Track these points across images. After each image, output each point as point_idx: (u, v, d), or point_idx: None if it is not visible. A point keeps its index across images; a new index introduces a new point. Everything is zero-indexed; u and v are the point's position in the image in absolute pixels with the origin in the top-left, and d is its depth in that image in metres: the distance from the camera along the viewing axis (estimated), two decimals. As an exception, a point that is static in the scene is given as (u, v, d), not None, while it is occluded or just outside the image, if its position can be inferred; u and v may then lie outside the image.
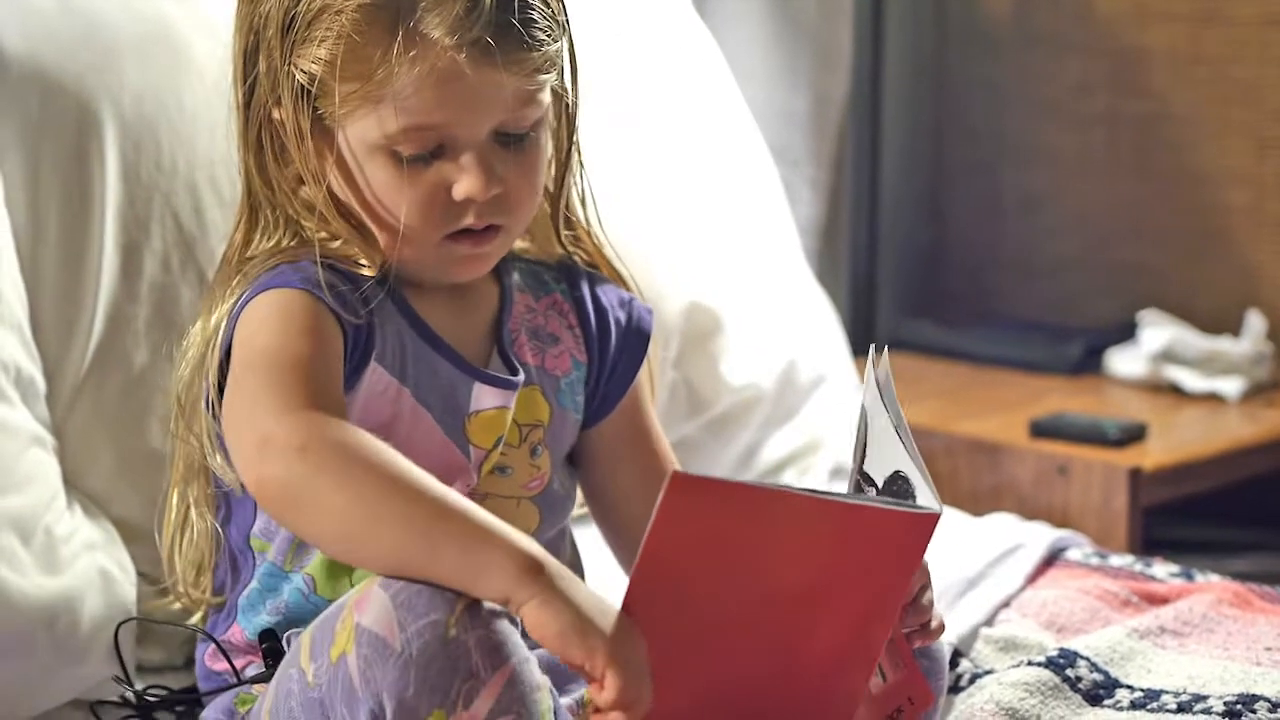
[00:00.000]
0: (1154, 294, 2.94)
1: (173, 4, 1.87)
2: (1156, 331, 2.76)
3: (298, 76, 1.44)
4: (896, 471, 1.36)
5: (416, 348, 1.49)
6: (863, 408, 1.41)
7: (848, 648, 1.35)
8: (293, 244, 1.50)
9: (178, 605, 1.59)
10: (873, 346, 1.42)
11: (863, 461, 1.40)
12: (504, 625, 1.27)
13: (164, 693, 1.62)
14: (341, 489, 1.30)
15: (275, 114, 1.47)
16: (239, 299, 1.45)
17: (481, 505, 1.48)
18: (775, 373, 2.30)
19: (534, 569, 1.26)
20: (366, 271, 1.47)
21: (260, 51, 1.46)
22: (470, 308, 1.55)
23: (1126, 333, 2.84)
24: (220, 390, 1.44)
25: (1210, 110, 2.91)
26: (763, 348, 2.30)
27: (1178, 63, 2.93)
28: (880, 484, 1.38)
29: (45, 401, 1.73)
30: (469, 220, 1.45)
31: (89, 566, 1.68)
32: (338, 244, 1.48)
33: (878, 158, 3.12)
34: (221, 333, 1.45)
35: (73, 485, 1.74)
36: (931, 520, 1.31)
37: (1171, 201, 2.96)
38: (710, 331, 2.23)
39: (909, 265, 3.23)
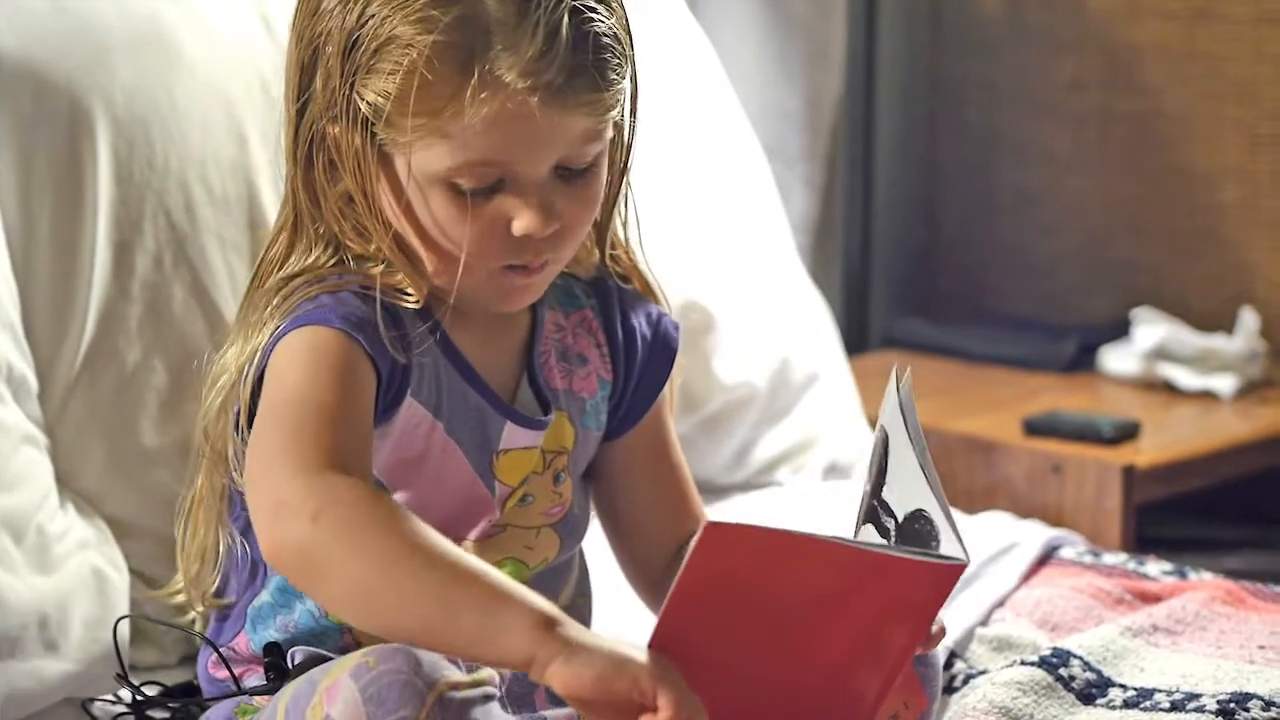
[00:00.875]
0: (1148, 291, 2.94)
1: (165, 3, 1.87)
2: (1150, 329, 2.76)
3: (360, 105, 1.40)
4: (919, 510, 1.34)
5: (451, 380, 1.47)
6: (881, 428, 1.39)
7: (863, 687, 1.34)
8: (331, 263, 1.47)
9: (180, 599, 1.58)
10: (895, 366, 1.39)
11: (881, 487, 1.38)
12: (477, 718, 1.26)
13: (160, 689, 1.61)
14: (354, 556, 1.28)
15: (330, 131, 1.44)
16: (276, 331, 1.42)
17: (500, 537, 1.50)
18: (768, 371, 2.30)
19: (551, 625, 1.24)
20: (411, 301, 1.44)
21: (318, 68, 1.43)
22: (502, 332, 1.53)
23: (1120, 330, 2.84)
24: (250, 418, 1.42)
25: (1204, 107, 2.91)
26: (756, 346, 2.30)
27: (1171, 60, 2.93)
28: (900, 518, 1.35)
29: (37, 400, 1.72)
30: (528, 257, 1.43)
31: (82, 565, 1.68)
32: (380, 268, 1.46)
33: (871, 156, 3.12)
34: (255, 363, 1.42)
35: (65, 484, 1.73)
36: (958, 571, 1.29)
37: (1165, 199, 2.96)
38: (703, 330, 2.23)
39: (902, 263, 3.23)
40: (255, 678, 1.48)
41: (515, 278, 1.45)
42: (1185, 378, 2.70)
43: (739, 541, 1.23)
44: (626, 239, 1.59)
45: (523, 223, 1.40)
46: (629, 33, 1.45)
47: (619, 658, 1.22)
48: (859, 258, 3.11)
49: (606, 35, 1.40)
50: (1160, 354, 2.73)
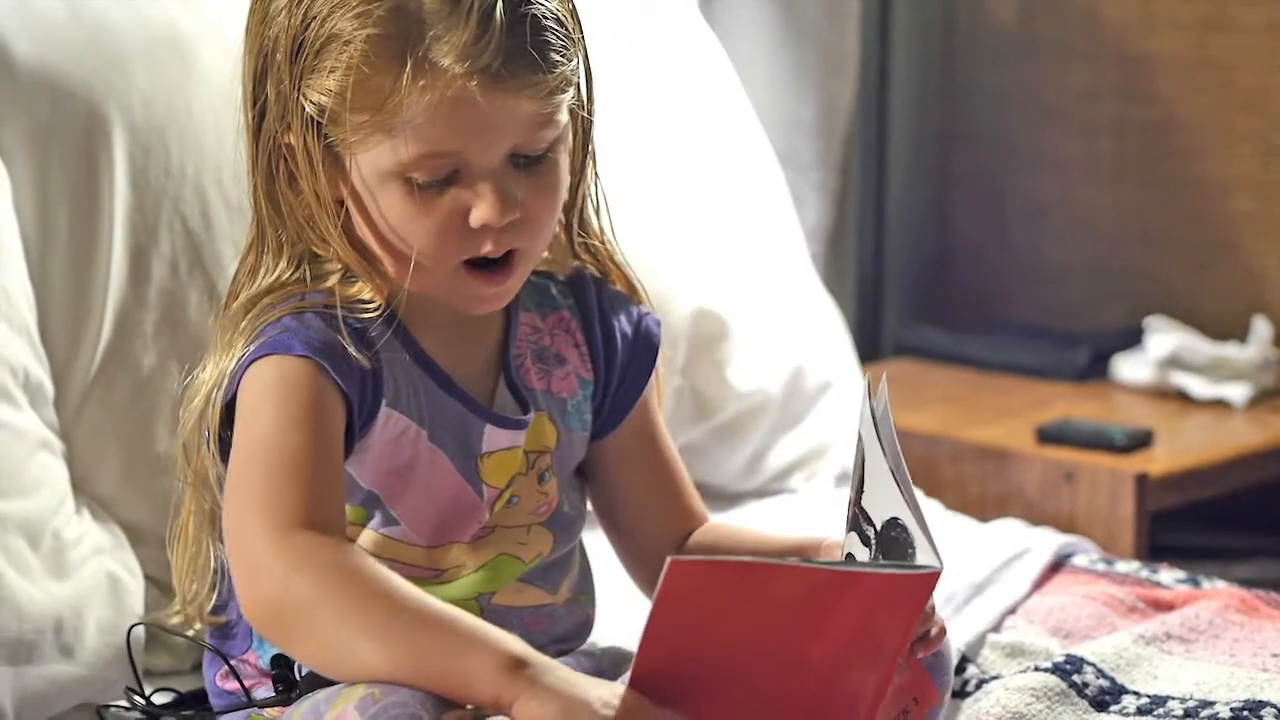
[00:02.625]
0: (1160, 300, 2.94)
1: (181, 10, 1.87)
2: (1163, 338, 2.76)
3: (306, 106, 1.40)
4: (894, 518, 1.35)
5: (427, 388, 1.47)
6: (859, 435, 1.40)
7: (857, 687, 1.35)
8: (295, 277, 1.46)
9: (177, 619, 1.57)
10: (868, 377, 1.40)
11: (861, 494, 1.39)
12: None
13: (173, 695, 1.61)
14: (324, 615, 1.31)
15: (286, 139, 1.44)
16: (242, 357, 1.42)
17: (490, 537, 1.50)
18: (782, 378, 2.30)
19: (516, 667, 1.28)
20: (371, 309, 1.44)
21: (270, 76, 1.43)
22: (474, 336, 1.52)
23: (1133, 339, 2.84)
24: (222, 444, 1.43)
25: (1216, 117, 2.91)
26: (769, 353, 2.30)
27: (1184, 69, 2.93)
28: (879, 526, 1.36)
29: (53, 405, 1.73)
30: (488, 248, 1.42)
31: (97, 571, 1.69)
32: (334, 280, 1.45)
33: (884, 164, 3.12)
34: (223, 389, 1.42)
35: (81, 489, 1.74)
36: (932, 579, 1.30)
37: (1178, 208, 2.96)
38: (717, 337, 2.23)
39: (915, 271, 3.23)
40: (264, 690, 1.49)
41: (478, 282, 1.45)
42: (1198, 386, 2.70)
43: (704, 575, 1.25)
44: (601, 230, 1.58)
45: (479, 212, 1.40)
46: (575, 17, 1.45)
47: (574, 701, 1.27)
48: (872, 265, 3.12)
49: (546, 17, 1.40)
50: (1173, 362, 2.73)
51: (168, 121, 1.81)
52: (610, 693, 1.28)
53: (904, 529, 1.34)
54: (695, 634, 1.27)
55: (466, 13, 1.36)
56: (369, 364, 1.42)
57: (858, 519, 1.39)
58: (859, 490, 1.40)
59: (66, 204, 1.75)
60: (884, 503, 1.36)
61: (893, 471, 1.35)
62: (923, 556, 1.32)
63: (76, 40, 1.79)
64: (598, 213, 1.57)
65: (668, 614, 1.25)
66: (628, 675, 1.29)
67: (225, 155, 1.82)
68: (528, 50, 1.38)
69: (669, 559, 1.23)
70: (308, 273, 1.47)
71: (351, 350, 1.41)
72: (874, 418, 1.37)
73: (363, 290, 1.45)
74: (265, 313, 1.44)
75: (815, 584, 1.27)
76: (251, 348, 1.41)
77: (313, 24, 1.39)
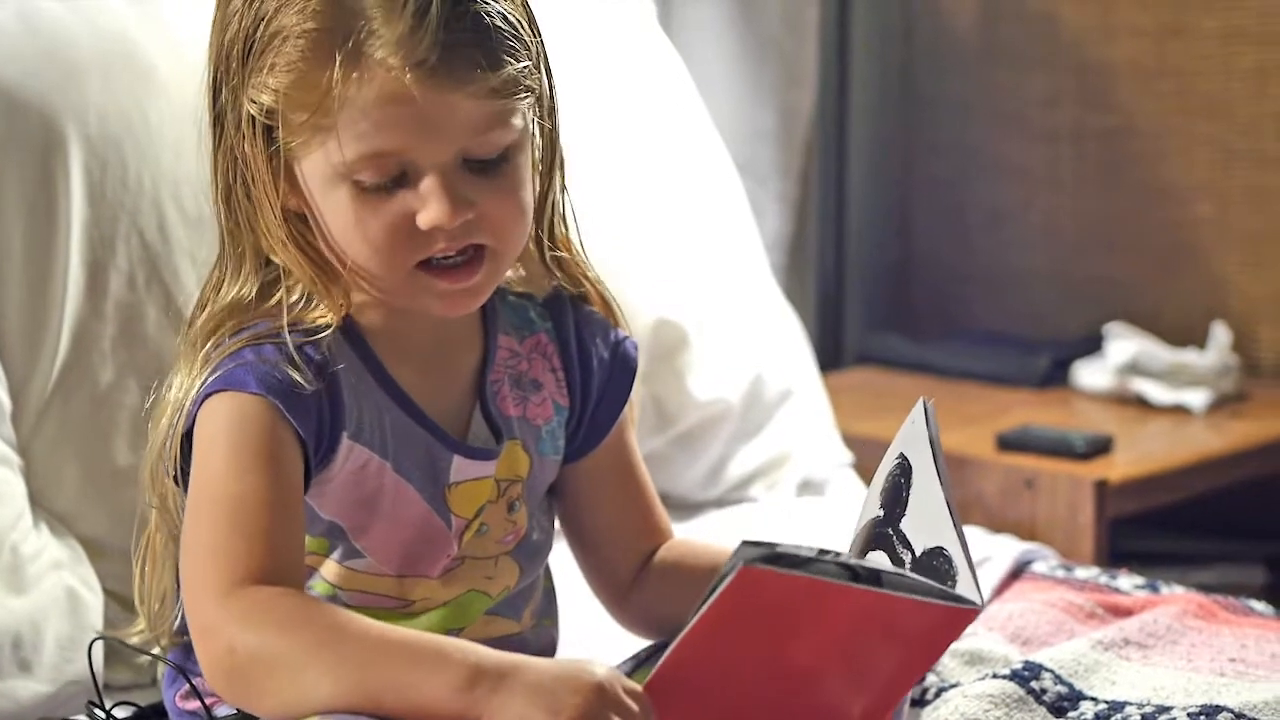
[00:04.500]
0: (1120, 307, 2.95)
1: (137, 22, 1.87)
2: (1123, 344, 2.77)
3: (248, 108, 1.39)
4: (939, 548, 1.33)
5: (394, 418, 1.45)
6: (901, 456, 1.37)
7: (837, 702, 1.35)
8: (255, 292, 1.44)
9: (139, 637, 1.56)
10: (922, 399, 1.38)
11: (899, 518, 1.36)
12: None
13: (133, 709, 1.60)
14: (276, 663, 1.30)
15: (242, 148, 1.41)
16: (197, 391, 1.40)
17: (459, 570, 1.49)
18: (742, 387, 2.31)
19: (470, 685, 1.27)
20: (325, 330, 1.41)
21: (225, 82, 1.41)
22: (449, 362, 1.50)
23: (1093, 345, 2.85)
24: (183, 475, 1.42)
25: (1176, 124, 2.92)
26: (729, 363, 2.30)
27: (1143, 77, 2.95)
28: (919, 552, 1.34)
29: (10, 420, 1.72)
30: (440, 246, 1.39)
31: (55, 585, 1.68)
32: (294, 298, 1.43)
33: (844, 173, 3.12)
34: (181, 421, 1.41)
35: (39, 504, 1.73)
36: (972, 615, 1.29)
37: (1137, 215, 2.97)
38: (677, 347, 2.23)
39: (876, 279, 3.24)
40: (225, 708, 1.46)
41: (439, 280, 1.41)
42: (1158, 392, 2.71)
43: (768, 583, 1.23)
44: (569, 243, 1.55)
45: (427, 214, 1.37)
46: (531, 23, 1.42)
47: (531, 710, 1.26)
48: (833, 274, 3.12)
49: (489, 15, 1.37)
50: (1133, 369, 2.74)
51: (124, 134, 1.80)
52: (579, 680, 1.27)
53: (948, 560, 1.32)
54: (727, 639, 1.26)
55: (402, 5, 1.34)
56: (327, 396, 1.41)
57: (889, 539, 1.36)
58: (894, 513, 1.37)
59: (22, 217, 1.74)
60: (929, 529, 1.34)
61: (947, 500, 1.33)
62: (964, 589, 1.29)
63: (31, 53, 1.78)
64: (566, 226, 1.55)
65: (721, 615, 1.23)
66: (590, 660, 1.28)
67: (183, 168, 1.82)
68: (468, 48, 1.35)
69: (741, 565, 1.20)
70: (268, 290, 1.45)
71: (307, 385, 1.39)
72: (931, 441, 1.35)
73: (317, 312, 1.42)
74: (225, 340, 1.42)
75: (868, 606, 1.26)
76: (209, 380, 1.40)
77: (261, 23, 1.38)
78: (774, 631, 1.27)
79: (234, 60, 1.40)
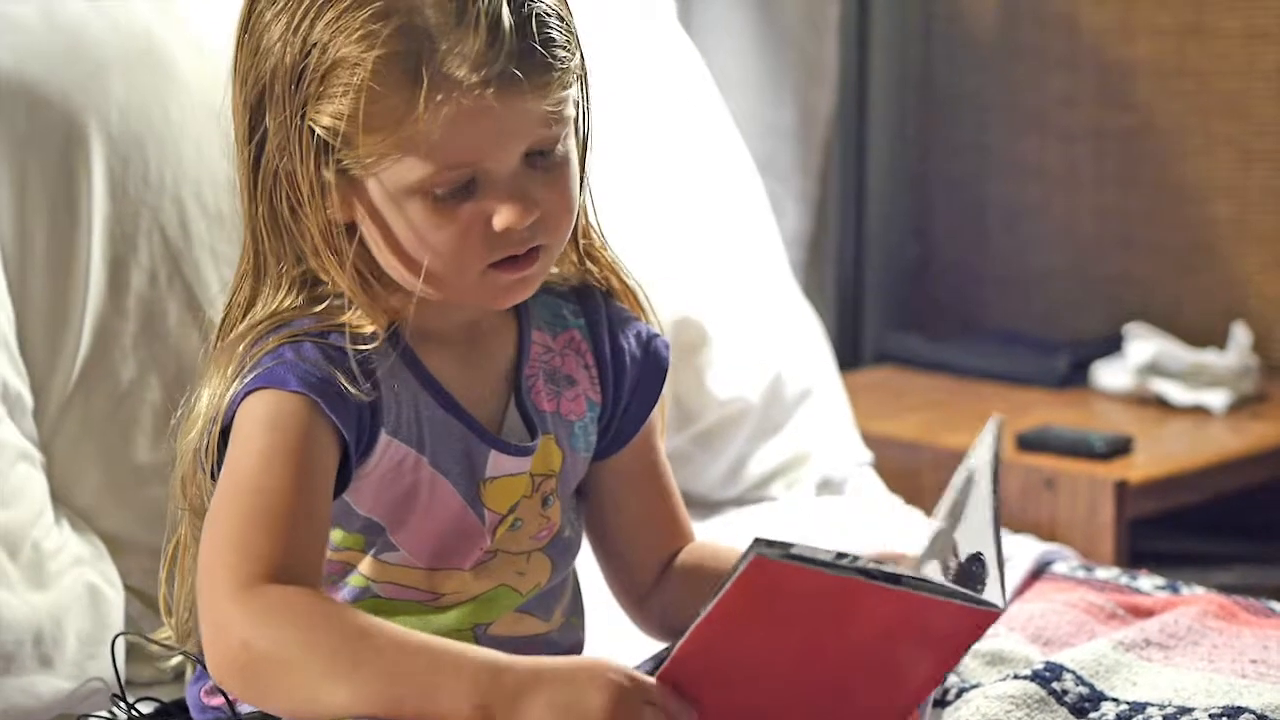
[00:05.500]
0: (1140, 307, 2.95)
1: (158, 20, 1.87)
2: (1142, 344, 2.77)
3: (317, 131, 1.39)
4: (978, 553, 1.35)
5: (432, 413, 1.46)
6: (971, 470, 1.39)
7: (868, 703, 1.35)
8: (296, 305, 1.45)
9: (168, 634, 1.57)
10: (996, 417, 1.40)
11: (955, 526, 1.39)
12: None
13: (156, 705, 1.60)
14: (290, 664, 1.31)
15: (288, 169, 1.41)
16: (237, 390, 1.40)
17: (491, 563, 1.49)
18: (762, 386, 2.31)
19: (489, 687, 1.28)
20: (369, 338, 1.42)
21: (268, 108, 1.41)
22: (486, 357, 1.51)
23: (1112, 345, 2.85)
24: (218, 470, 1.41)
25: (1195, 123, 2.92)
26: (749, 361, 2.30)
27: (1162, 76, 2.94)
28: (963, 559, 1.36)
29: (32, 417, 1.72)
30: (513, 249, 1.41)
31: (76, 582, 1.68)
32: (335, 304, 1.44)
33: (864, 171, 3.12)
34: (219, 420, 1.41)
35: (60, 500, 1.74)
36: (992, 617, 1.30)
37: (1157, 214, 2.97)
38: (697, 345, 2.23)
39: (895, 278, 3.23)
40: (248, 704, 1.45)
41: (505, 274, 1.43)
42: (1177, 393, 2.70)
43: (782, 576, 1.24)
44: (600, 233, 1.57)
45: (503, 217, 1.39)
46: (570, 10, 1.44)
47: (570, 702, 1.27)
48: (852, 273, 3.12)
49: (549, 14, 1.39)
50: (1152, 369, 2.74)
51: (146, 131, 1.81)
52: (601, 678, 1.28)
53: (982, 565, 1.34)
54: (744, 630, 1.26)
55: (474, 21, 1.35)
56: (367, 396, 1.41)
57: (951, 549, 1.38)
58: (955, 522, 1.39)
59: (45, 214, 1.75)
60: (974, 537, 1.36)
61: (995, 512, 1.35)
62: (990, 594, 1.31)
63: (53, 50, 1.79)
64: (587, 217, 1.56)
65: (733, 605, 1.24)
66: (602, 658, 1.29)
67: (204, 165, 1.82)
68: (538, 50, 1.37)
69: (754, 555, 1.22)
70: (307, 299, 1.45)
71: (346, 384, 1.40)
72: (995, 459, 1.37)
73: (361, 319, 1.43)
74: (262, 339, 1.43)
75: (885, 603, 1.26)
76: (248, 379, 1.40)
77: (313, 51, 1.38)
78: (794, 628, 1.28)
79: (280, 87, 1.40)
